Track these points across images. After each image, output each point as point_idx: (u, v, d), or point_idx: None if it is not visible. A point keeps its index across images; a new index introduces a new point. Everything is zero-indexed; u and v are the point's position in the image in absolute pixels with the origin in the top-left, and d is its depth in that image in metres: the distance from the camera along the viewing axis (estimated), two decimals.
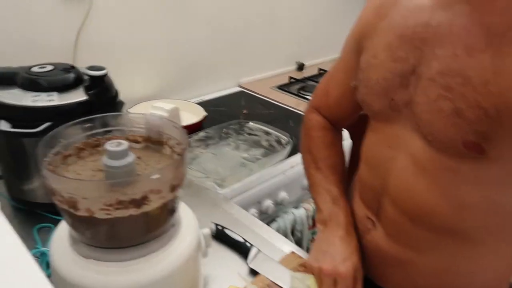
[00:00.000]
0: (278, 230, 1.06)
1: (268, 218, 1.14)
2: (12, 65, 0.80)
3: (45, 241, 0.78)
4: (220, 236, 0.79)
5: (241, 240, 0.77)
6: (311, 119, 0.79)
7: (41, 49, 1.08)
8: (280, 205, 1.17)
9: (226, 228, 0.79)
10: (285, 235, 1.10)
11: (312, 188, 0.75)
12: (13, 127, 0.72)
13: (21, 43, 1.05)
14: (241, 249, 0.76)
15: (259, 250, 0.75)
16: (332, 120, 0.78)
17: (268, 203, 1.12)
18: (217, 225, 0.80)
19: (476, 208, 0.57)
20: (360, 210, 0.71)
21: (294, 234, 1.18)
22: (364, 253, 0.69)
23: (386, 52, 0.59)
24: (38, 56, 1.06)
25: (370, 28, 0.63)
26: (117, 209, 0.48)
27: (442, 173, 0.56)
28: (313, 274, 0.66)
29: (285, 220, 1.15)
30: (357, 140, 0.75)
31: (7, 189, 0.85)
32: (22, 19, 1.03)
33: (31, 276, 0.34)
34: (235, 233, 0.78)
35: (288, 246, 0.80)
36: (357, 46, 0.66)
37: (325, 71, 1.91)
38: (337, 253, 0.64)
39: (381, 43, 0.60)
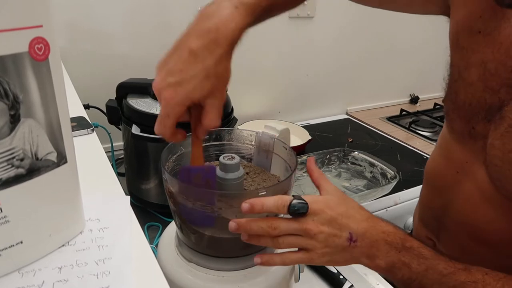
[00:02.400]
0: None
1: None
2: (148, 77, 0.91)
3: (152, 238, 0.85)
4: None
5: (334, 271, 0.75)
6: None
7: None
8: None
9: None
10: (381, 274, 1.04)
11: None
12: (141, 131, 0.81)
13: (158, 58, 1.17)
14: (333, 281, 0.74)
15: (352, 285, 0.72)
16: None
17: None
18: None
19: None
20: (420, 230, 0.68)
21: None
22: None
23: (478, 71, 0.51)
24: None
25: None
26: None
27: (509, 211, 0.52)
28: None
29: None
30: None
31: (127, 186, 0.96)
32: (160, 38, 1.16)
33: (151, 265, 0.39)
34: None
35: (383, 286, 0.75)
36: None
37: (441, 106, 1.79)
38: (190, 77, 0.44)
39: (476, 53, 0.51)
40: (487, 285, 0.45)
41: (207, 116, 0.47)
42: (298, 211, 0.46)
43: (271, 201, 0.46)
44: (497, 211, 0.54)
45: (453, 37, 0.56)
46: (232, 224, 0.46)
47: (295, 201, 0.46)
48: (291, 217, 0.48)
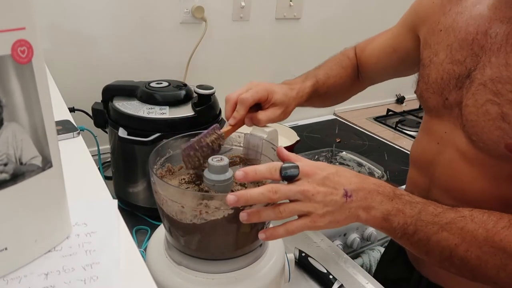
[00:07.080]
0: (361, 266, 1.01)
1: (352, 252, 1.10)
2: (135, 80, 0.90)
3: (140, 242, 0.84)
4: (303, 263, 0.77)
5: (324, 271, 0.75)
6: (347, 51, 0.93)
7: (160, 66, 1.20)
8: (366, 241, 1.11)
9: (310, 257, 0.78)
10: (369, 273, 1.05)
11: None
12: (128, 134, 0.80)
13: (144, 60, 1.17)
14: (323, 281, 0.74)
15: (342, 285, 0.72)
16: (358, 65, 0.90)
17: (354, 237, 1.08)
18: (301, 251, 0.79)
19: None
20: None
21: None
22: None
23: (445, 52, 0.62)
24: (157, 73, 1.18)
25: (431, 15, 0.67)
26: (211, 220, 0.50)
27: (487, 168, 0.57)
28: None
29: (371, 257, 1.09)
30: None
31: (114, 190, 0.95)
32: (146, 40, 1.15)
33: (140, 269, 0.39)
34: (319, 262, 0.77)
35: (372, 285, 0.76)
36: (412, 24, 0.73)
37: None
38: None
39: (442, 42, 0.63)
40: (474, 217, 0.51)
41: None
42: (290, 173, 0.48)
43: (263, 167, 0.49)
44: (477, 170, 0.59)
45: (422, 46, 0.69)
46: (230, 197, 0.46)
47: (286, 164, 0.49)
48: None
